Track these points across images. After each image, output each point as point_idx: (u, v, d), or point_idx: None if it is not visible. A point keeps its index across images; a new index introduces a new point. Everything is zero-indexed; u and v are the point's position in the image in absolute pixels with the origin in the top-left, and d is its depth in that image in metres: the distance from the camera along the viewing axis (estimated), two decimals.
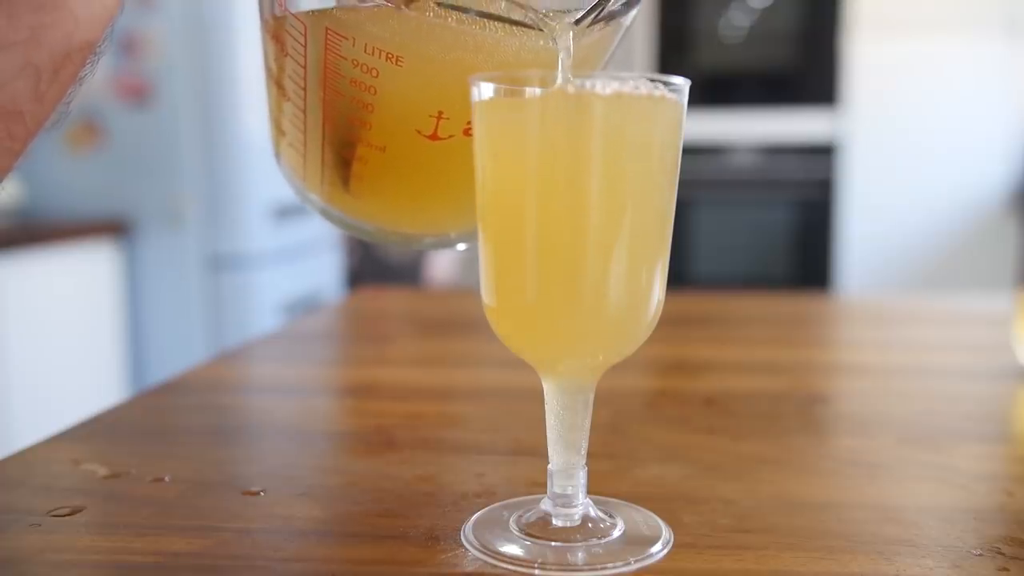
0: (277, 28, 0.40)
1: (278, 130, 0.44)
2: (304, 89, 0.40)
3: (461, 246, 0.46)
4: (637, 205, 0.35)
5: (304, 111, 0.41)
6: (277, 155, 0.46)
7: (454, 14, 0.36)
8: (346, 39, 0.37)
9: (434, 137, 0.39)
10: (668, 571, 0.35)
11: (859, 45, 2.92)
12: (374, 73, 0.38)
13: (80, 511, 0.40)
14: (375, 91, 0.38)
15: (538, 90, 0.34)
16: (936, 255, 3.00)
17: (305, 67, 0.39)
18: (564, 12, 0.36)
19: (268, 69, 0.43)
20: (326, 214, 0.44)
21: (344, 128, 0.40)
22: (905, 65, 2.93)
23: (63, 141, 2.20)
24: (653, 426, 0.54)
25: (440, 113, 0.39)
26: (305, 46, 0.39)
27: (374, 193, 0.42)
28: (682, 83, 0.35)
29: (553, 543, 0.36)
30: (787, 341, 0.84)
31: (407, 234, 0.45)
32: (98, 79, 2.14)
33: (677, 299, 0.68)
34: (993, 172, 2.95)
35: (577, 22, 0.36)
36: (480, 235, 0.37)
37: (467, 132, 0.39)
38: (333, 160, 0.41)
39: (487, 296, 0.37)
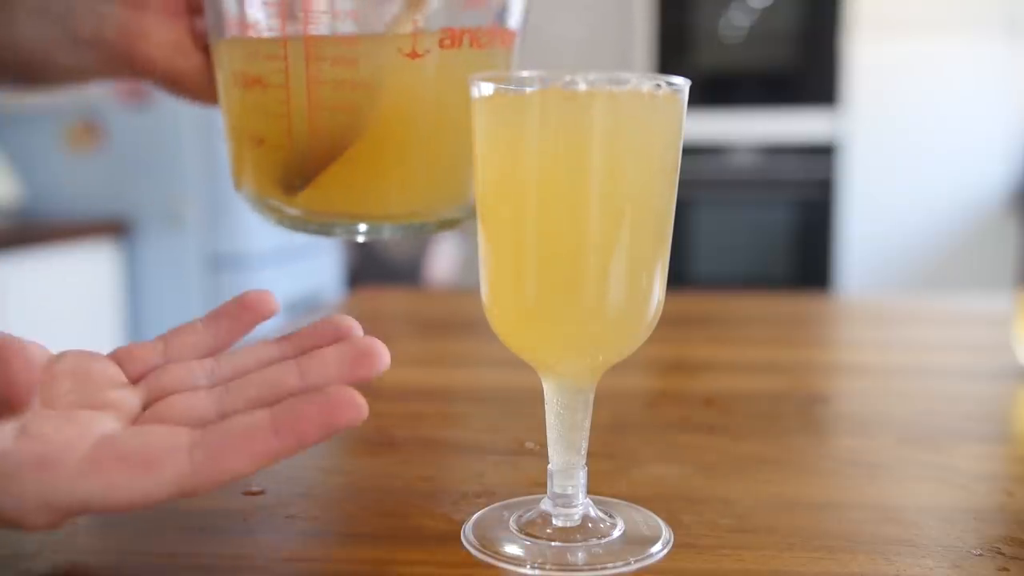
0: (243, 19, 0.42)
1: (251, 141, 0.44)
2: (285, 57, 0.40)
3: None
4: (637, 205, 0.35)
5: (287, 85, 0.41)
6: (239, 181, 0.46)
7: None
8: None
9: (413, 55, 0.40)
10: (668, 571, 0.35)
11: (859, 45, 2.91)
12: None
13: None
14: (356, 15, 0.40)
15: (538, 89, 0.34)
16: (936, 255, 3.00)
17: (283, 20, 0.40)
18: None
19: (237, 75, 0.43)
20: (305, 216, 0.44)
21: (330, 73, 0.40)
22: (905, 65, 2.93)
23: (63, 141, 2.20)
24: (653, 426, 0.54)
25: (415, 22, 0.40)
26: (281, 4, 0.40)
27: (363, 149, 0.42)
28: (682, 83, 0.35)
29: (553, 543, 0.36)
30: (787, 341, 0.84)
31: (395, 215, 0.45)
32: None
33: (677, 299, 0.68)
34: (993, 172, 2.94)
35: None
36: (480, 235, 0.37)
37: (443, 44, 0.41)
38: (321, 118, 0.41)
39: (487, 296, 0.37)
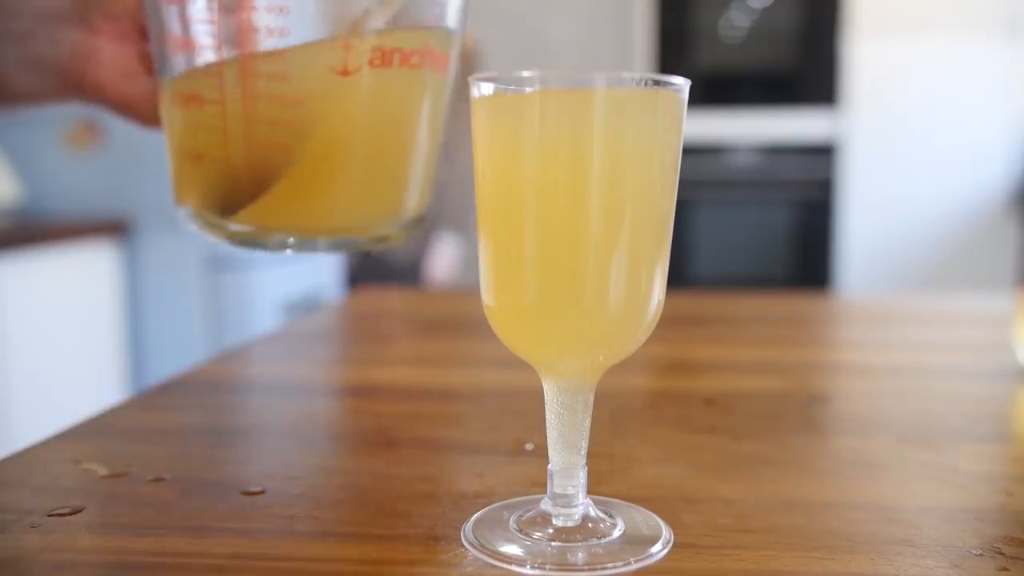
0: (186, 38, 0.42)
1: (191, 157, 0.45)
2: (221, 73, 0.41)
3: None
4: (637, 205, 0.35)
5: (223, 101, 0.41)
6: (179, 197, 0.46)
7: None
8: None
9: (344, 72, 0.41)
10: (668, 571, 0.35)
11: (859, 45, 2.92)
12: (284, 11, 0.40)
13: (80, 511, 0.40)
14: (287, 32, 0.41)
15: (538, 89, 0.34)
16: (936, 255, 3.00)
17: (219, 37, 0.41)
18: None
19: (176, 93, 0.44)
20: (244, 231, 0.44)
21: (264, 88, 0.41)
22: (905, 65, 2.93)
23: (63, 141, 2.20)
24: (653, 426, 0.54)
25: (346, 42, 0.41)
26: (218, 24, 0.41)
27: (295, 167, 0.43)
28: (682, 83, 0.35)
29: (553, 543, 0.36)
30: (787, 341, 0.84)
31: (328, 230, 0.45)
32: None
33: (677, 299, 0.68)
34: (993, 172, 2.94)
35: None
36: (480, 235, 0.37)
37: (372, 63, 0.41)
38: (257, 133, 0.42)
39: (487, 296, 0.37)
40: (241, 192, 0.43)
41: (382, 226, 0.46)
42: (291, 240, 0.44)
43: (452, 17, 0.45)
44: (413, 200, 0.47)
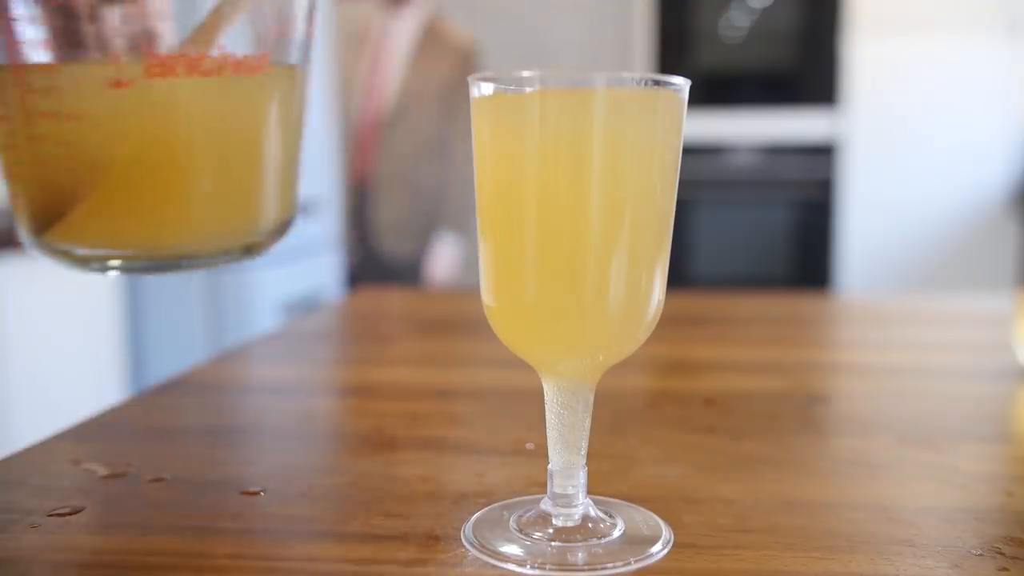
0: None
1: (5, 178, 0.42)
2: (5, 90, 0.39)
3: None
4: (637, 205, 0.35)
5: (10, 117, 0.39)
6: (16, 215, 0.43)
7: None
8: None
9: (118, 84, 0.38)
10: (668, 571, 0.35)
11: (859, 45, 2.92)
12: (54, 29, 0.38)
13: (80, 511, 0.40)
14: (60, 44, 0.38)
15: (538, 89, 0.34)
16: (936, 255, 3.00)
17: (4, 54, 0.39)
18: None
19: None
20: (90, 254, 0.42)
21: (41, 104, 0.39)
22: (905, 65, 2.93)
23: None
24: (653, 426, 0.54)
25: (116, 53, 0.38)
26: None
27: (104, 183, 0.40)
28: (682, 83, 0.35)
29: (553, 543, 0.36)
30: (787, 341, 0.84)
31: (160, 248, 0.42)
32: None
33: (677, 299, 0.68)
34: (993, 172, 2.94)
35: None
36: (480, 235, 0.37)
37: (151, 73, 0.38)
38: (43, 151, 0.39)
39: (487, 296, 0.37)
40: (49, 213, 0.40)
41: (238, 238, 0.43)
42: (120, 263, 0.41)
43: (281, 21, 0.42)
44: (269, 208, 0.43)
